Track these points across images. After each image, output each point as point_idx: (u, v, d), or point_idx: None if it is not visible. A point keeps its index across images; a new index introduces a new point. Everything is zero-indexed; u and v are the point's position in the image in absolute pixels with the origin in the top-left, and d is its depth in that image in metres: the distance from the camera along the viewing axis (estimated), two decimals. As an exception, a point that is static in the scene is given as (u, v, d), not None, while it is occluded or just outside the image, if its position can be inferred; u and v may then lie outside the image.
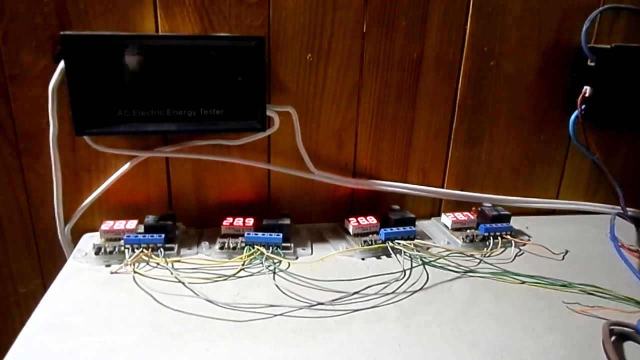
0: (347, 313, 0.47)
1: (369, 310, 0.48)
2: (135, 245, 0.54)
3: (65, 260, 0.56)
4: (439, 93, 0.64)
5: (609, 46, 0.63)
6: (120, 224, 0.57)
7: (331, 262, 0.57)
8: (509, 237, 0.63)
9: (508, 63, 0.65)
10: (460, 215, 0.65)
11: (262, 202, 0.65)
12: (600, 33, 0.65)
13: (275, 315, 0.47)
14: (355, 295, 0.50)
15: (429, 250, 0.60)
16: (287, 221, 0.59)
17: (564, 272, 0.56)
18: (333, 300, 0.49)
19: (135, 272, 0.52)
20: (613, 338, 0.45)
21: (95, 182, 0.60)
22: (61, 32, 0.50)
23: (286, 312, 0.47)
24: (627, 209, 0.72)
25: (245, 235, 0.56)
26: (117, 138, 0.58)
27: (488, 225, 0.63)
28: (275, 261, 0.55)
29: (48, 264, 0.62)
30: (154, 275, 0.52)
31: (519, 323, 0.47)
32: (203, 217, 0.64)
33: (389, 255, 0.58)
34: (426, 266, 0.56)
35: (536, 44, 0.64)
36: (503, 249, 0.61)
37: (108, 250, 0.55)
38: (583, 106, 0.65)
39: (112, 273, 0.52)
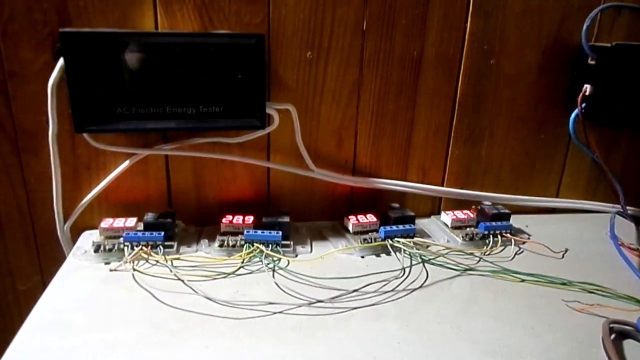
0: (347, 311, 0.47)
1: (369, 308, 0.48)
2: (135, 243, 0.54)
3: (64, 258, 0.56)
4: (439, 91, 0.64)
5: (609, 44, 0.63)
6: (119, 222, 0.57)
7: (331, 260, 0.57)
8: (508, 235, 0.63)
9: (508, 61, 0.64)
10: (460, 214, 0.65)
11: (261, 199, 0.65)
12: (600, 31, 0.65)
13: (275, 312, 0.47)
14: (354, 293, 0.50)
15: (429, 248, 0.60)
16: (287, 219, 0.59)
17: (564, 270, 0.56)
18: (332, 298, 0.49)
19: (134, 269, 0.52)
20: (613, 336, 0.45)
21: (94, 180, 0.60)
22: (60, 29, 0.50)
23: (285, 310, 0.47)
24: (627, 207, 0.72)
25: (245, 233, 0.56)
26: (116, 135, 0.58)
27: (488, 224, 0.63)
28: (275, 259, 0.55)
29: (47, 261, 0.62)
30: (154, 272, 0.52)
31: (518, 321, 0.47)
32: (202, 214, 0.64)
33: (388, 253, 0.58)
34: (426, 264, 0.56)
35: (536, 42, 0.64)
36: (503, 247, 0.61)
37: (107, 247, 0.54)
38: (583, 105, 0.65)
39: (111, 270, 0.52)
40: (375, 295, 0.50)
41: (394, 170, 0.67)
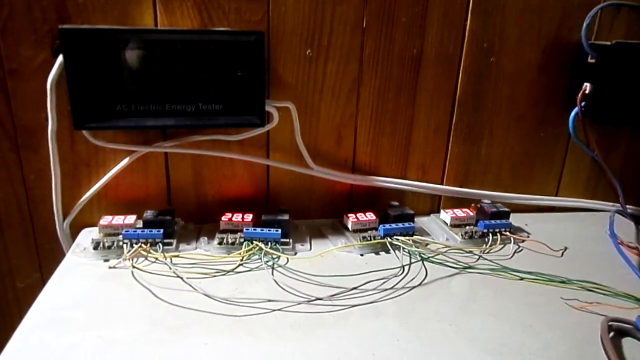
0: (346, 308, 0.47)
1: (368, 305, 0.48)
2: (134, 240, 0.54)
3: (63, 255, 0.56)
4: (438, 89, 0.64)
5: (609, 43, 0.63)
6: (118, 219, 0.57)
7: (330, 257, 0.57)
8: (508, 233, 0.63)
9: (508, 60, 0.64)
10: (459, 212, 0.65)
11: (261, 197, 0.65)
12: (600, 30, 0.65)
13: (274, 310, 0.47)
14: (353, 291, 0.50)
15: (428, 246, 0.60)
16: (286, 217, 0.59)
17: (563, 268, 0.56)
18: (331, 296, 0.49)
19: (133, 267, 0.52)
20: (612, 334, 0.45)
21: (94, 177, 0.60)
22: (60, 26, 0.50)
23: (284, 307, 0.47)
24: (627, 206, 0.72)
25: (244, 230, 0.56)
26: (116, 133, 0.58)
27: (487, 222, 0.63)
28: (274, 256, 0.55)
29: (46, 258, 0.62)
30: (153, 270, 0.52)
31: (517, 319, 0.47)
32: (202, 212, 0.64)
33: (387, 251, 0.58)
34: (425, 262, 0.56)
35: (536, 40, 0.64)
36: (502, 245, 0.61)
37: (106, 245, 0.54)
38: (583, 103, 0.65)
39: (110, 268, 0.52)
40: (374, 293, 0.50)
41: (394, 168, 0.67)
